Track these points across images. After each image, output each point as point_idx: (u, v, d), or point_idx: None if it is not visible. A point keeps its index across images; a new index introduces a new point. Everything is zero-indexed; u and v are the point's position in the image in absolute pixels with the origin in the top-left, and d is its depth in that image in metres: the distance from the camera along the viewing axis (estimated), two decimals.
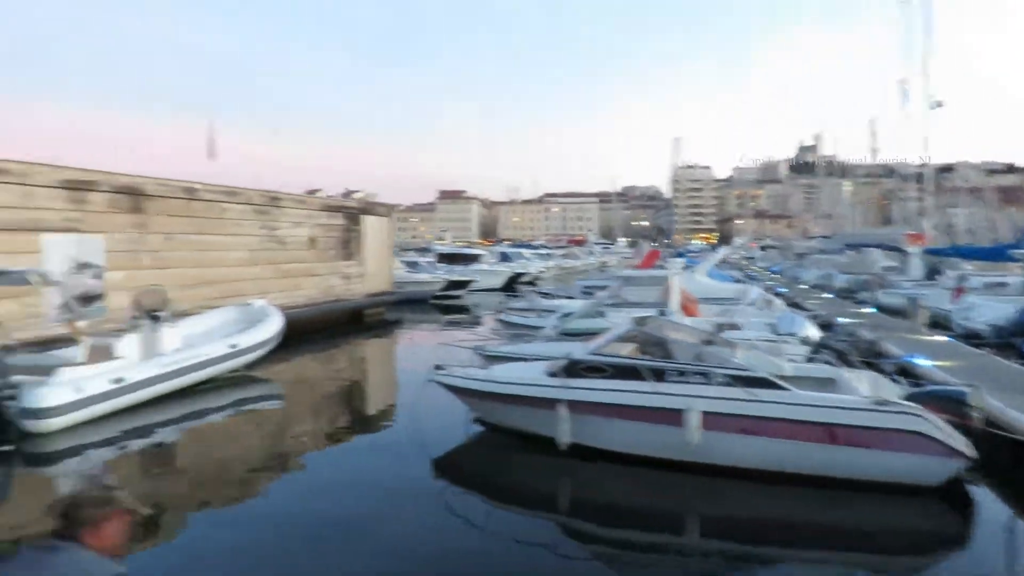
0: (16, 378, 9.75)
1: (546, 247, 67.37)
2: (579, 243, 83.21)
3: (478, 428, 9.49)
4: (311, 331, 18.13)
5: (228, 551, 6.27)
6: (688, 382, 7.47)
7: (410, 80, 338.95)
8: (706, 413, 7.16)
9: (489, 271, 35.34)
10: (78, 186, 13.13)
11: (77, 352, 10.37)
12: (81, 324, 10.14)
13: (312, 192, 24.75)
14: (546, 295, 18.23)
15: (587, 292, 18.68)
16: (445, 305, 28.21)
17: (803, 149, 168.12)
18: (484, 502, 7.69)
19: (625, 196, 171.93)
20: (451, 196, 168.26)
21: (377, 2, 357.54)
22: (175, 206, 15.40)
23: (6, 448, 9.11)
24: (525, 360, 9.75)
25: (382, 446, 9.62)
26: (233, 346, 12.51)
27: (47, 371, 9.85)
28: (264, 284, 17.72)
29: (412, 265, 31.00)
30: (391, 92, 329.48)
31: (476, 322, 24.99)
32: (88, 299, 11.31)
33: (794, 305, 19.82)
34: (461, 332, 22.14)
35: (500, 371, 8.73)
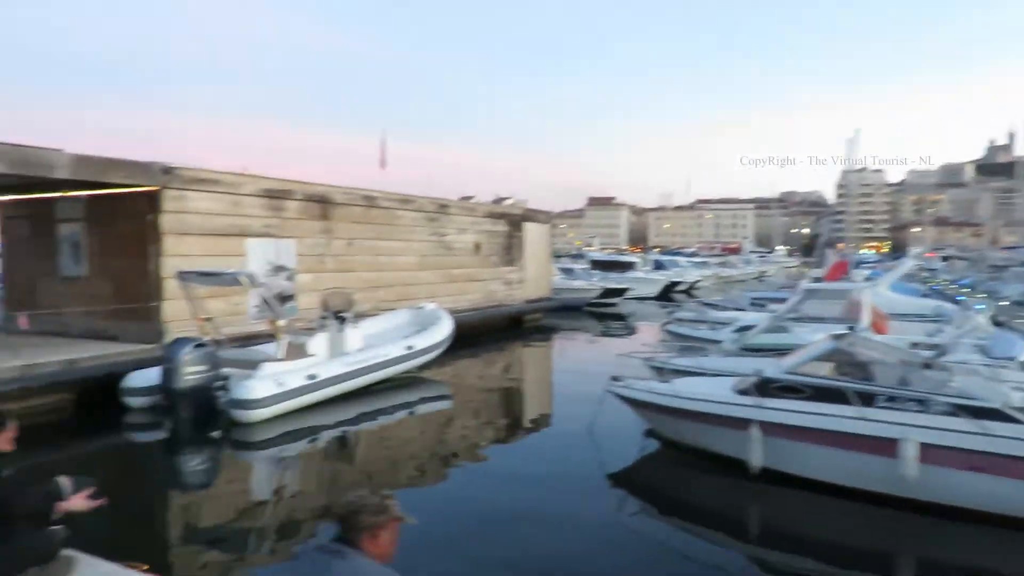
0: (225, 370, 10.71)
1: (698, 255, 65.19)
2: (734, 251, 79.86)
3: (652, 441, 9.25)
4: (474, 335, 18.57)
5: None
6: (901, 409, 6.78)
7: (562, 87, 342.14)
8: (924, 445, 6.46)
9: (644, 279, 34.68)
10: (276, 195, 14.26)
11: (275, 348, 11.22)
12: (281, 322, 10.94)
13: (465, 199, 25.43)
14: (714, 306, 17.49)
15: (757, 304, 17.74)
16: (600, 312, 28.00)
17: (994, 148, 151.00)
18: (662, 518, 7.45)
19: (784, 202, 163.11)
20: (600, 203, 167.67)
21: (528, 13, 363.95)
22: (356, 213, 16.35)
23: (216, 434, 10.02)
24: (704, 375, 9.35)
25: (552, 453, 9.57)
26: (409, 348, 13.03)
27: (252, 365, 10.72)
28: (433, 288, 18.39)
29: (567, 272, 31.02)
30: (542, 99, 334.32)
31: (631, 330, 24.66)
32: (283, 299, 12.23)
33: (998, 324, 17.70)
34: (619, 341, 21.90)
35: (683, 386, 8.40)
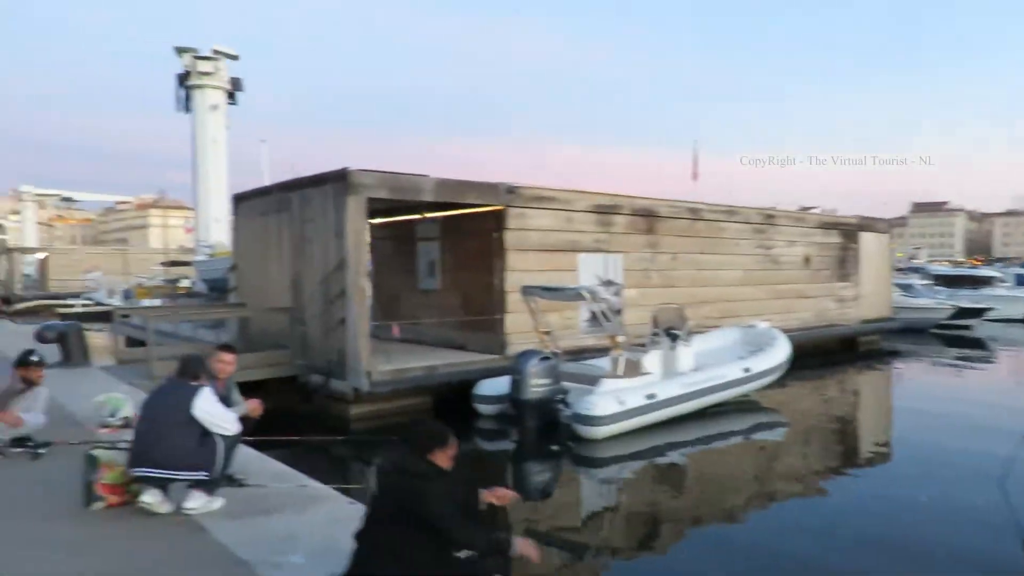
0: (565, 384, 10.84)
1: None
2: None
3: None
4: (802, 356, 16.87)
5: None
6: None
7: (879, 79, 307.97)
8: None
9: (1009, 297, 28.88)
10: (605, 210, 14.34)
11: (610, 364, 11.09)
12: (620, 339, 10.77)
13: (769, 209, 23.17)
14: None
15: None
16: (949, 336, 23.88)
17: None
18: None
19: None
20: (928, 208, 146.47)
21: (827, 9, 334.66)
22: (680, 226, 15.83)
23: (557, 447, 10.13)
24: None
25: (920, 500, 8.08)
26: (747, 370, 12.08)
27: (590, 380, 10.70)
28: (757, 305, 17.11)
29: (906, 288, 27.05)
30: (852, 96, 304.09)
31: (996, 360, 20.54)
32: (612, 314, 12.09)
33: None
34: (983, 372, 18.33)
35: None
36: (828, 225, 19.96)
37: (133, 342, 15.26)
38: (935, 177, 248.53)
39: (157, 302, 23.33)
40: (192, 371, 4.83)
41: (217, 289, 19.28)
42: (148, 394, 4.99)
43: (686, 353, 11.95)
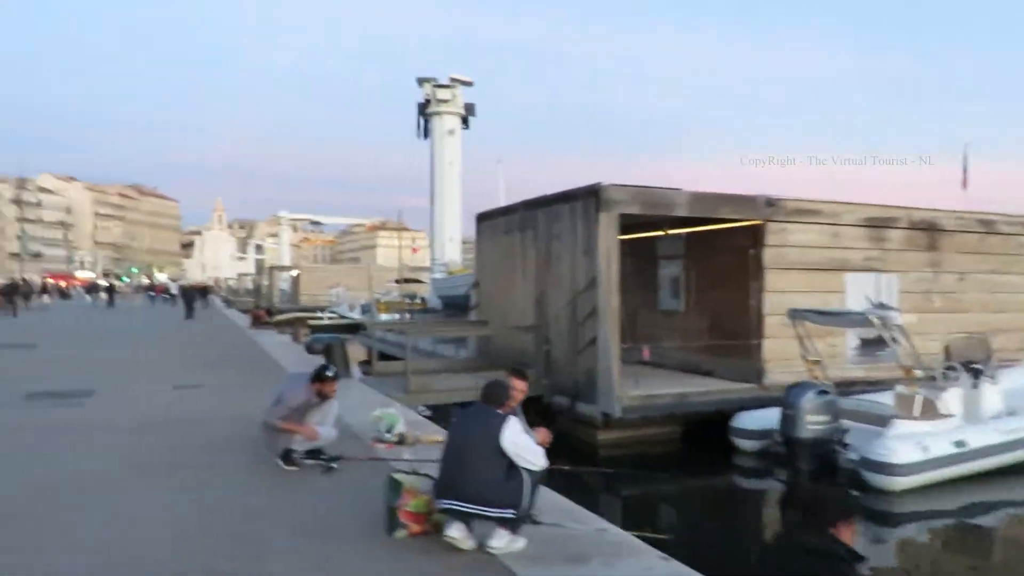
0: (844, 423, 9.47)
1: None
2: None
3: None
4: None
5: None
6: None
7: None
8: None
9: None
10: (877, 223, 12.64)
11: (897, 401, 9.52)
12: (918, 373, 9.21)
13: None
14: None
15: None
16: None
17: None
18: None
19: None
20: None
21: None
22: (968, 242, 13.56)
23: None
24: None
25: None
26: None
27: (876, 420, 9.26)
28: None
29: None
30: None
31: None
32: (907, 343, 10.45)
33: None
34: None
35: None
36: None
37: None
38: None
39: (395, 316, 24.83)
40: (499, 398, 4.51)
41: (452, 306, 19.94)
42: (453, 421, 4.75)
43: (992, 392, 9.99)
